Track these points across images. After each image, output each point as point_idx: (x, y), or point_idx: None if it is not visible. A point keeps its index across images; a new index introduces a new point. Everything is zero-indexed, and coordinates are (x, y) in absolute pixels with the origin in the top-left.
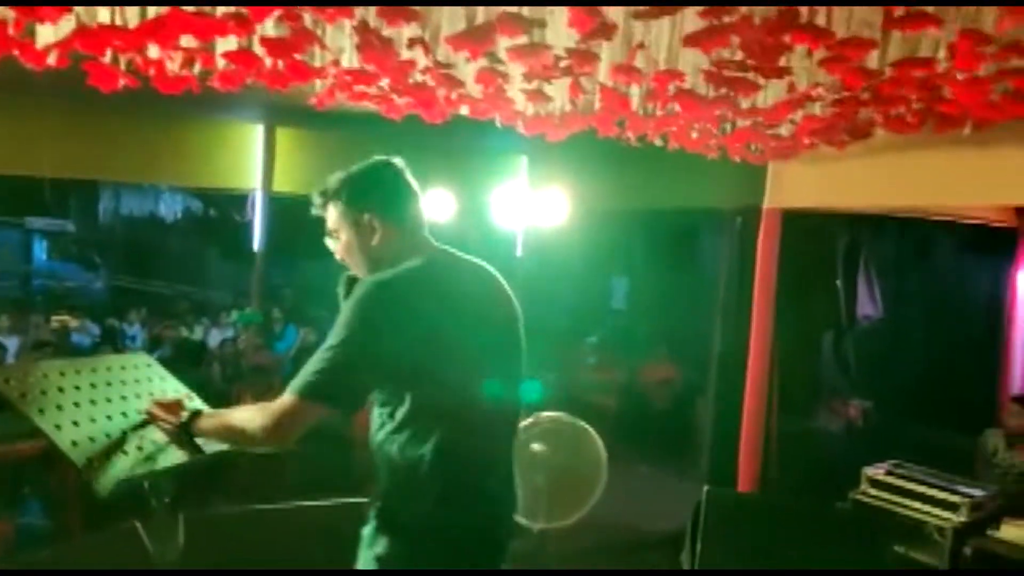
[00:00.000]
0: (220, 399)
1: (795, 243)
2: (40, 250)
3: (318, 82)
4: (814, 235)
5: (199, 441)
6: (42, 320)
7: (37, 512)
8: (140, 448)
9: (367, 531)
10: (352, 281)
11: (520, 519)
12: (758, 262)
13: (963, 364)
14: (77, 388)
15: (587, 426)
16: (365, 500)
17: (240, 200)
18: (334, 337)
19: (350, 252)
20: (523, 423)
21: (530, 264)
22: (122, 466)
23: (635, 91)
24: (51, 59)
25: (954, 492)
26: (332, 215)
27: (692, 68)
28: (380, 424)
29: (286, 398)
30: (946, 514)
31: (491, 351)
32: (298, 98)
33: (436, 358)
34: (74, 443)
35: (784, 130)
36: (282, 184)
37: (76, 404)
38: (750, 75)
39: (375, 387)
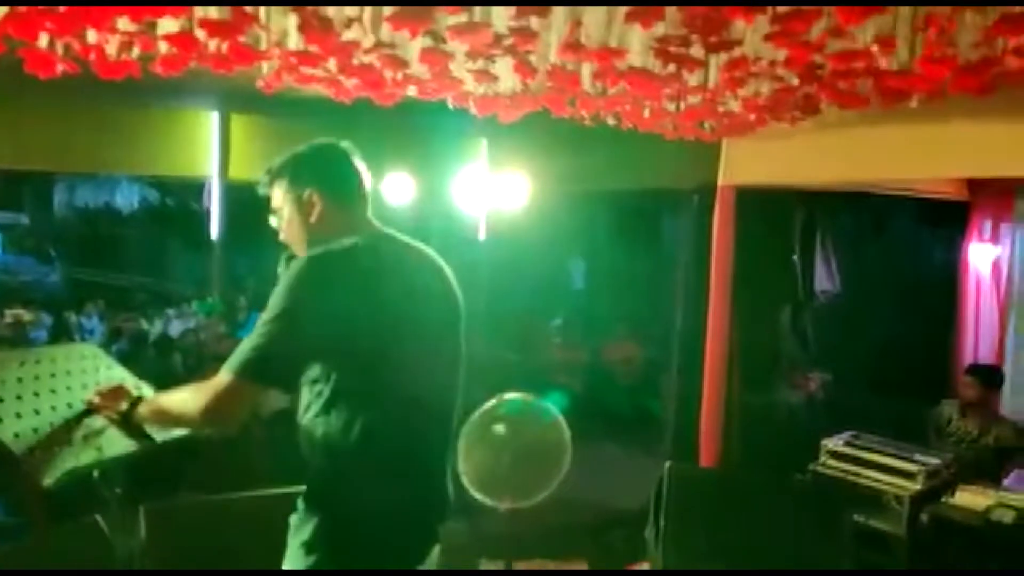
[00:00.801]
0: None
1: (750, 220)
2: None
3: (264, 65)
4: (769, 211)
5: (151, 429)
6: None
7: (0, 510)
8: (85, 438)
9: (294, 519)
10: (290, 259)
11: (486, 499)
12: (714, 240)
13: (919, 336)
14: (19, 380)
15: (550, 406)
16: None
17: (197, 189)
18: (268, 313)
19: (290, 230)
20: (487, 405)
21: (493, 247)
22: (68, 457)
23: (585, 69)
24: None
25: (911, 461)
26: (276, 193)
27: (640, 45)
28: (307, 405)
29: (222, 376)
30: (903, 483)
31: (424, 335)
32: (250, 84)
33: (364, 337)
34: (16, 435)
35: (734, 106)
36: (239, 171)
37: (18, 397)
38: (694, 50)
39: (307, 365)
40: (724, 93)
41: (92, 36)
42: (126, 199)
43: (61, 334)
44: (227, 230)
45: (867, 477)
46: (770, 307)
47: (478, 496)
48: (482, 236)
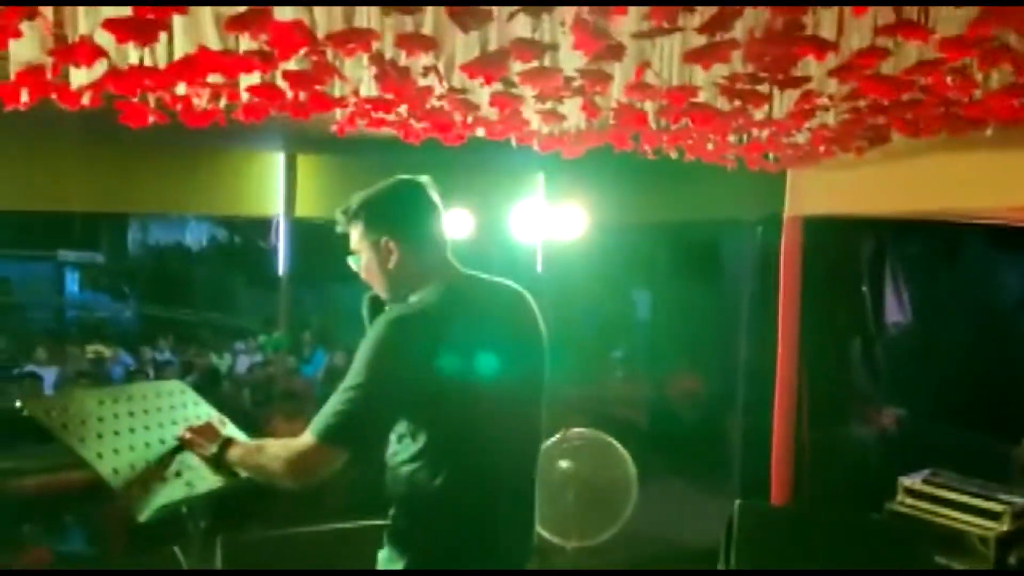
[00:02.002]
0: (250, 424)
1: (818, 250)
2: (72, 282)
3: (338, 110)
4: (837, 242)
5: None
6: (78, 351)
7: (79, 541)
8: (178, 474)
9: (383, 555)
10: (374, 301)
11: (552, 538)
12: (781, 271)
13: (997, 367)
14: (115, 416)
15: (614, 441)
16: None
17: (264, 227)
18: (352, 378)
19: (370, 273)
20: (550, 440)
21: (551, 279)
22: (161, 492)
23: (649, 106)
24: (85, 100)
25: (995, 500)
26: (353, 235)
27: (704, 81)
28: (394, 451)
29: (307, 439)
30: (988, 523)
31: (508, 380)
32: (318, 126)
33: (447, 395)
34: (115, 471)
35: (800, 138)
36: (304, 210)
37: (115, 432)
38: (762, 87)
39: (389, 429)
40: (790, 126)
41: (182, 88)
42: (195, 237)
43: (137, 370)
44: (293, 267)
45: (948, 517)
46: (839, 340)
47: (544, 534)
48: (539, 268)
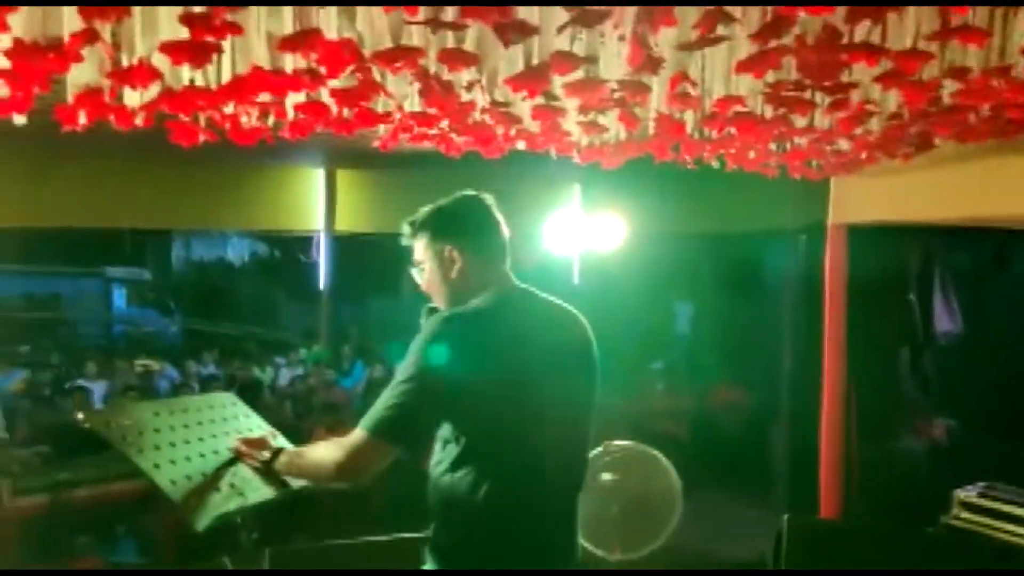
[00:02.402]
0: (293, 436)
1: (863, 259)
2: (119, 298)
3: (381, 126)
4: (883, 250)
5: (288, 477)
6: (126, 365)
7: (131, 551)
8: (232, 485)
9: (428, 565)
10: (432, 312)
11: (596, 550)
12: (826, 280)
13: None
14: (171, 428)
15: (658, 454)
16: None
17: (303, 241)
18: (402, 372)
19: (431, 283)
20: (592, 453)
21: (588, 290)
22: (216, 502)
23: (689, 116)
24: (138, 120)
25: None
26: (418, 246)
27: (748, 90)
28: (438, 461)
29: (357, 434)
30: None
31: (556, 396)
32: (356, 141)
33: (495, 399)
34: (172, 481)
35: (844, 145)
36: (344, 224)
37: (172, 444)
38: (807, 94)
39: (438, 425)
40: (834, 133)
41: (230, 108)
42: (237, 253)
43: (183, 383)
44: (333, 281)
45: (1007, 532)
46: (887, 350)
47: (587, 546)
48: (576, 279)
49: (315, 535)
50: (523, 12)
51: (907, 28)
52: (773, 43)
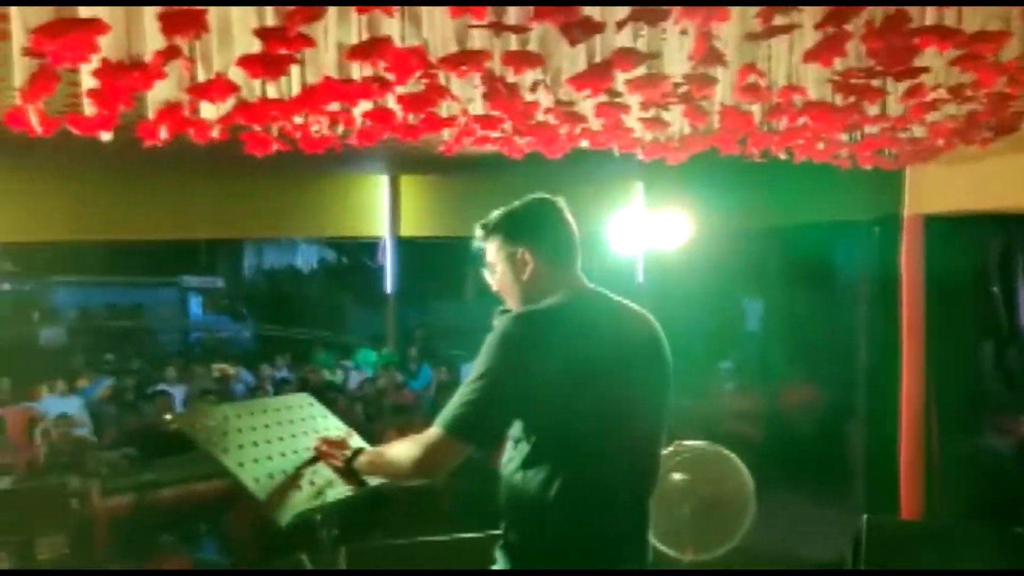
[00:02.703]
0: (364, 438)
1: (942, 249)
2: (195, 305)
3: (446, 131)
4: (963, 240)
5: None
6: (203, 370)
7: (213, 549)
8: (312, 483)
9: (499, 563)
10: (504, 314)
11: (668, 550)
12: (903, 272)
13: None
14: (253, 428)
15: (730, 453)
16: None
17: (369, 247)
18: (476, 371)
19: (504, 285)
20: (664, 451)
21: (653, 289)
22: (298, 500)
23: (755, 107)
24: (214, 133)
25: None
26: (490, 249)
27: (816, 79)
28: (509, 457)
29: (434, 432)
30: None
31: (627, 394)
32: (417, 147)
33: (566, 398)
34: (255, 480)
35: (918, 132)
36: (408, 229)
37: (254, 443)
38: (877, 81)
39: (511, 423)
40: (907, 120)
41: (301, 117)
42: (306, 259)
43: (257, 387)
44: (398, 284)
45: None
46: (969, 344)
47: (659, 546)
48: (640, 278)
49: (390, 533)
50: (585, 10)
51: (979, 9)
52: (842, 27)
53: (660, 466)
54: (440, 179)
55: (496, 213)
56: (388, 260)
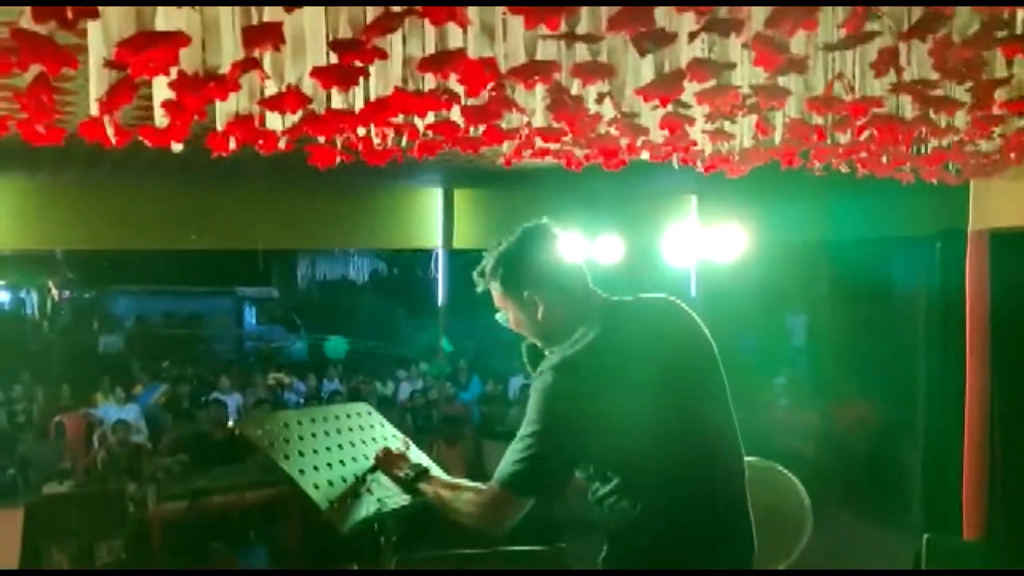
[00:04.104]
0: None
1: (1008, 266)
2: (250, 315)
3: (506, 143)
4: None
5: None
6: (259, 379)
7: (262, 557)
8: (370, 491)
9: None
10: (533, 348)
11: None
12: (968, 289)
13: None
14: (313, 436)
15: (785, 471)
16: (563, 546)
17: (421, 259)
18: (527, 427)
19: (520, 326)
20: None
21: (706, 303)
22: (357, 507)
23: (818, 119)
24: (281, 144)
25: None
26: (495, 293)
27: (884, 90)
28: (593, 490)
29: (495, 490)
30: None
31: (683, 396)
32: (472, 160)
33: (626, 430)
34: (316, 486)
35: (986, 146)
36: (461, 242)
37: (314, 451)
38: (950, 92)
39: (571, 472)
40: (977, 133)
41: (364, 130)
42: (358, 271)
43: (309, 397)
44: (450, 297)
45: None
46: None
47: None
48: (693, 292)
49: (436, 544)
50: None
51: None
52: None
53: (741, 459)
54: (493, 192)
55: (488, 257)
56: (440, 272)
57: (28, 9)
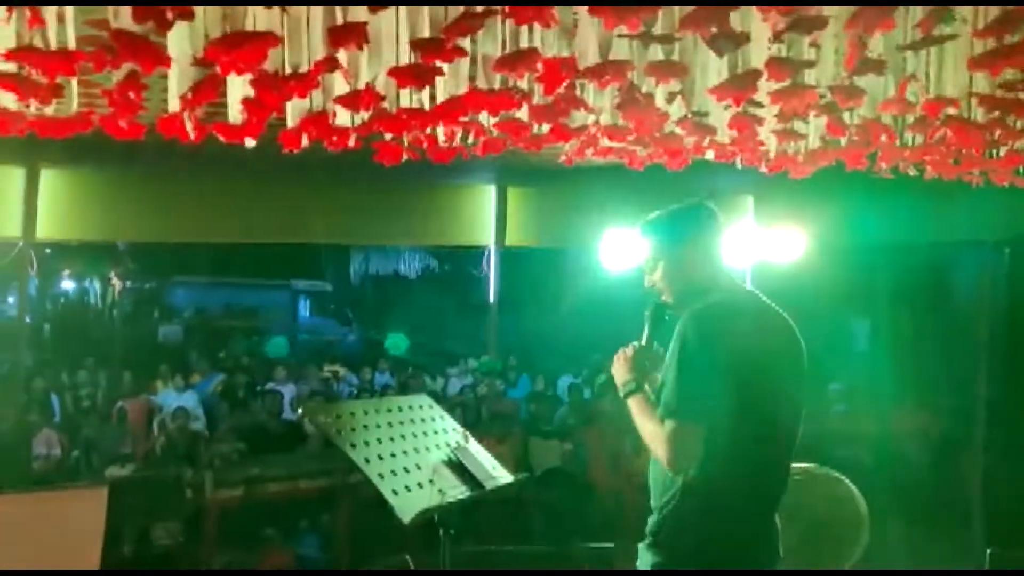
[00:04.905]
0: None
1: None
2: (304, 308)
3: (566, 142)
4: None
5: (480, 480)
6: (313, 371)
7: (313, 545)
8: (432, 482)
9: (642, 545)
10: (657, 307)
11: None
12: None
13: None
14: (378, 426)
15: (843, 477)
16: (607, 545)
17: (473, 256)
18: (672, 370)
19: (659, 282)
20: None
21: None
22: (420, 497)
23: (886, 119)
24: (351, 142)
25: None
26: (649, 246)
27: (959, 92)
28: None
29: (672, 425)
30: None
31: (783, 397)
32: (528, 158)
33: (737, 387)
34: (380, 475)
35: None
36: (513, 239)
37: (379, 440)
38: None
39: (725, 404)
40: None
41: (431, 128)
42: (410, 266)
43: (361, 389)
44: (500, 294)
45: None
46: None
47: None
48: None
49: (480, 540)
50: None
51: None
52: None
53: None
54: (546, 190)
55: (656, 213)
56: (491, 269)
57: (123, 9)
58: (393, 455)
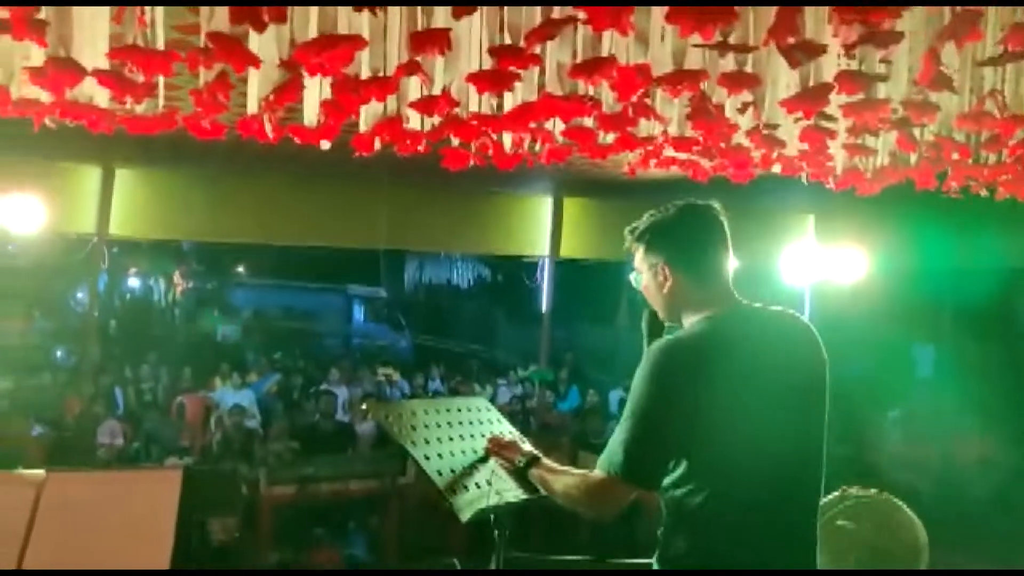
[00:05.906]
0: None
1: None
2: (358, 313)
3: (630, 152)
4: None
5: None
6: (367, 374)
7: (361, 545)
8: (489, 483)
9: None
10: (652, 317)
11: None
12: None
13: None
14: (438, 425)
15: (902, 504)
16: (646, 561)
17: (526, 266)
18: (628, 407)
19: (648, 294)
20: (827, 498)
21: (820, 325)
22: (477, 497)
23: (959, 136)
24: (420, 147)
25: None
26: (636, 255)
27: None
28: (669, 468)
29: (599, 475)
30: None
31: (784, 417)
32: (586, 169)
33: (721, 425)
34: (439, 472)
35: None
36: (568, 251)
37: (438, 439)
38: None
39: (672, 460)
40: None
41: (499, 134)
42: (463, 275)
43: (412, 394)
44: (553, 305)
45: None
46: None
47: None
48: (807, 313)
49: (523, 547)
50: (808, 31)
51: None
52: None
53: (821, 490)
54: (603, 202)
55: (644, 218)
56: (545, 280)
57: (218, 10)
58: (452, 454)
